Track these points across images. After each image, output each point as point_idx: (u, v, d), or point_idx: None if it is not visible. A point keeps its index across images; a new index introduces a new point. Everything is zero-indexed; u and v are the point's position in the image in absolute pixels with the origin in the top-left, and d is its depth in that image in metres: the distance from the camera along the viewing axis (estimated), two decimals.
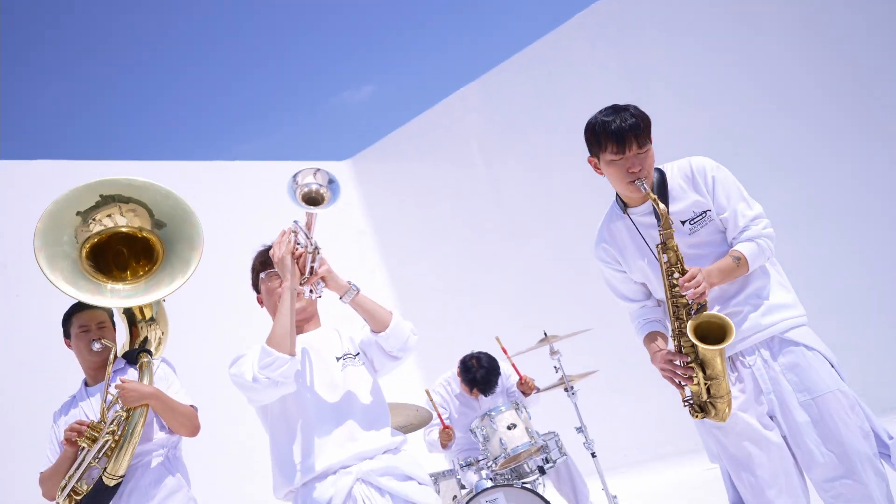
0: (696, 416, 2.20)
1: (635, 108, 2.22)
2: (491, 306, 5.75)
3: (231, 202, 5.88)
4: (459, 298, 6.22)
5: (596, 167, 2.28)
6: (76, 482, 2.84)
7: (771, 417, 2.23)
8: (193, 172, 5.87)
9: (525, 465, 3.82)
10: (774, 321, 2.23)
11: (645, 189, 2.16)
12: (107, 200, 3.16)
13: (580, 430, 4.03)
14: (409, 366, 4.68)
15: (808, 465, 2.19)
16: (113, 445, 2.75)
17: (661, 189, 2.25)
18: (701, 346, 2.09)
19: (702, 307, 2.12)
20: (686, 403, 2.21)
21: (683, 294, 2.10)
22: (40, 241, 3.03)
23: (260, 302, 2.39)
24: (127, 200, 3.13)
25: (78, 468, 2.81)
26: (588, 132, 2.25)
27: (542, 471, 3.83)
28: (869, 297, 4.51)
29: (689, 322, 2.10)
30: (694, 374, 2.15)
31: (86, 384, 3.09)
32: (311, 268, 2.17)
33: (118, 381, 2.79)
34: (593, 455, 3.90)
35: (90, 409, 3.02)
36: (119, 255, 3.25)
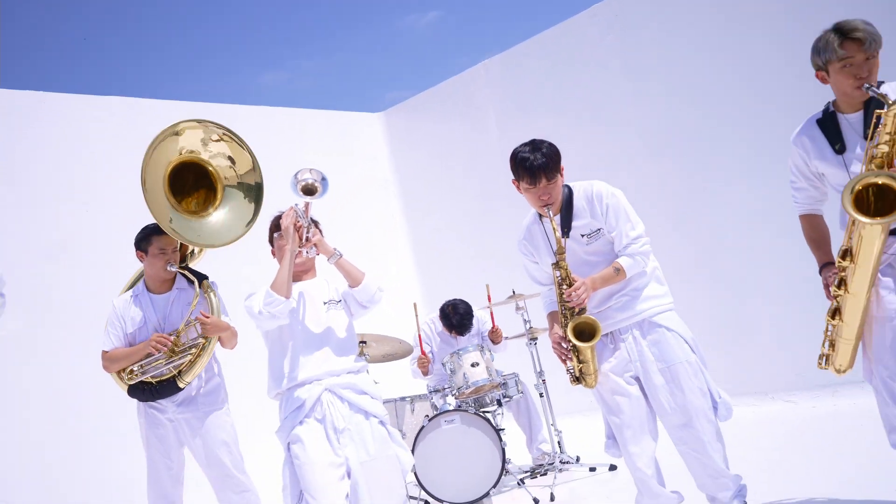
0: (573, 384, 2.97)
1: (549, 146, 2.93)
2: (490, 259, 6.49)
3: (274, 147, 6.65)
4: (465, 249, 6.96)
5: (518, 188, 3.01)
6: (144, 375, 3.74)
7: (637, 379, 2.99)
8: (242, 115, 6.62)
9: (486, 398, 4.62)
10: (645, 308, 2.97)
11: (551, 218, 2.88)
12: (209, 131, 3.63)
13: (540, 374, 4.83)
14: (411, 302, 5.50)
15: (661, 415, 2.96)
16: (191, 359, 3.64)
17: (567, 206, 2.98)
18: (576, 342, 2.85)
19: (582, 310, 2.87)
20: (568, 373, 2.97)
21: (568, 301, 2.85)
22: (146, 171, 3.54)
23: (273, 254, 3.20)
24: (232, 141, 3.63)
25: (148, 365, 3.71)
26: (511, 161, 2.98)
27: (499, 403, 4.64)
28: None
29: (570, 323, 2.83)
30: (572, 357, 2.92)
31: (147, 289, 3.91)
32: (307, 237, 2.95)
33: (200, 315, 3.64)
34: (541, 395, 4.69)
35: (151, 313, 3.84)
36: (188, 183, 3.91)
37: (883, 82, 2.58)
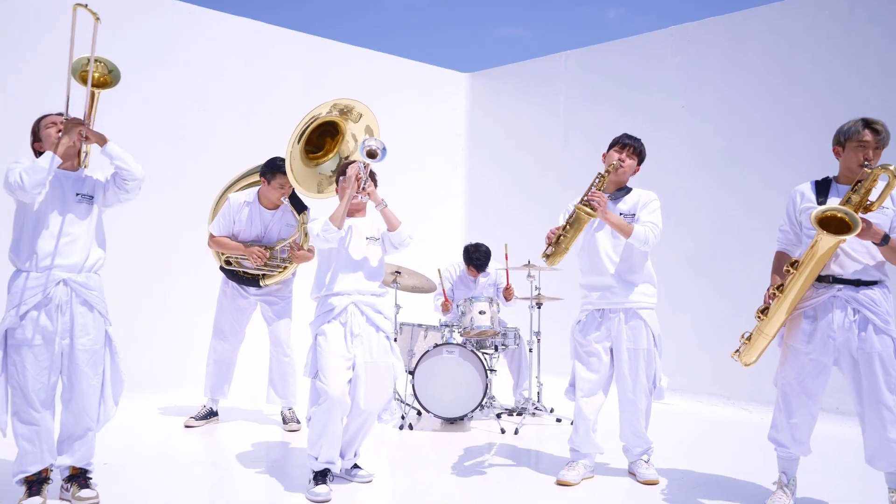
0: (543, 257, 3.88)
1: (641, 142, 4.08)
2: (530, 225, 7.32)
3: (371, 88, 7.54)
4: (510, 212, 7.80)
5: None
6: (238, 266, 4.88)
7: (610, 350, 3.92)
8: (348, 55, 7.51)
9: (486, 341, 5.55)
10: (635, 300, 3.93)
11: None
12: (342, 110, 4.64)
13: (537, 334, 5.72)
14: (454, 248, 6.42)
15: (619, 380, 3.95)
16: (275, 273, 4.77)
17: (620, 192, 4.02)
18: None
19: (589, 205, 3.77)
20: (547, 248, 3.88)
21: (593, 196, 3.79)
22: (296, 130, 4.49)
23: (336, 191, 4.13)
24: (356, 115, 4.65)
25: (244, 261, 4.85)
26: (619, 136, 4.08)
27: (496, 348, 5.57)
28: None
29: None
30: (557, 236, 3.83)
31: (260, 202, 4.94)
32: (363, 187, 3.87)
33: (294, 244, 4.79)
34: (530, 351, 5.61)
35: (257, 222, 4.92)
36: (322, 142, 4.83)
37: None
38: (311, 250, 4.86)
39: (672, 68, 6.64)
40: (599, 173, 3.94)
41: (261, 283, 4.99)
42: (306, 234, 4.88)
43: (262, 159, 5.00)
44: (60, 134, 3.33)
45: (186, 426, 5.13)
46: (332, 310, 3.81)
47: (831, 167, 3.59)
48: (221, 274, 5.12)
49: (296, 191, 4.74)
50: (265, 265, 4.90)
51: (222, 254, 5.01)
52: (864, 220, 3.22)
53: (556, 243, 3.83)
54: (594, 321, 3.98)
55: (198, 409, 5.35)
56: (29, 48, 5.58)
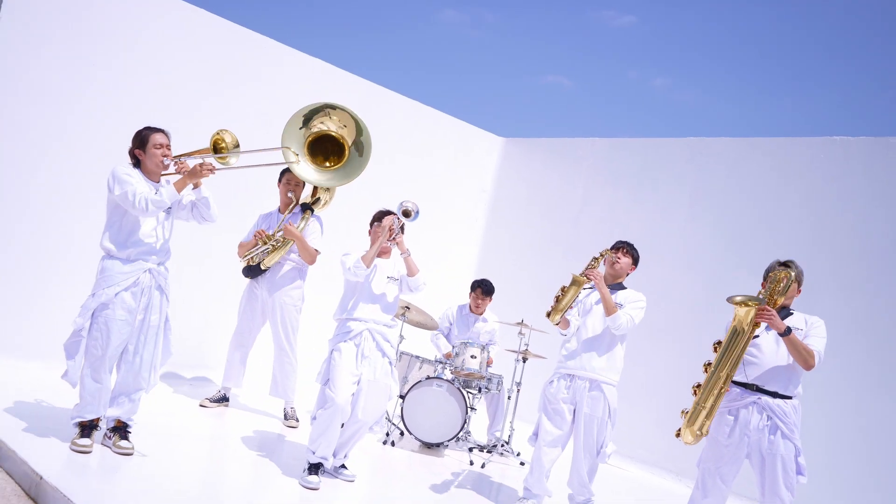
0: (547, 316, 4.66)
1: (633, 247, 4.88)
2: (531, 286, 8.10)
3: (409, 138, 8.37)
4: (517, 270, 8.60)
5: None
6: (251, 257, 5.66)
7: (573, 410, 4.66)
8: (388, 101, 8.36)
9: (472, 382, 6.28)
10: (601, 375, 4.65)
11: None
12: (336, 114, 5.41)
13: (518, 384, 6.46)
14: (461, 292, 7.17)
15: (575, 439, 4.67)
16: (271, 250, 5.52)
17: (615, 287, 4.80)
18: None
19: (588, 279, 4.60)
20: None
21: (591, 270, 4.60)
22: (287, 129, 5.24)
23: (369, 233, 4.90)
24: (351, 120, 5.41)
25: (254, 251, 5.62)
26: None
27: (479, 390, 6.31)
28: None
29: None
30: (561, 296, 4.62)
31: (279, 210, 5.82)
32: (394, 238, 4.65)
33: (287, 224, 5.52)
34: (509, 397, 6.35)
35: (274, 223, 5.75)
36: (324, 147, 5.75)
37: (791, 312, 4.23)
38: (316, 251, 5.72)
39: (682, 174, 7.44)
40: (594, 257, 4.74)
41: (261, 266, 5.68)
42: (306, 218, 5.70)
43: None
44: (175, 169, 4.22)
45: (201, 405, 5.90)
46: (349, 332, 4.58)
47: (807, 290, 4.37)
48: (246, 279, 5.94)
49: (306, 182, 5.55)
50: (264, 242, 5.62)
51: (247, 259, 5.78)
52: (767, 308, 4.00)
53: (556, 301, 4.61)
54: (562, 384, 4.74)
55: (213, 392, 6.13)
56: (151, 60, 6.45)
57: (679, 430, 4.16)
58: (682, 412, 4.15)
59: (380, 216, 4.81)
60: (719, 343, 4.14)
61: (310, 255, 5.76)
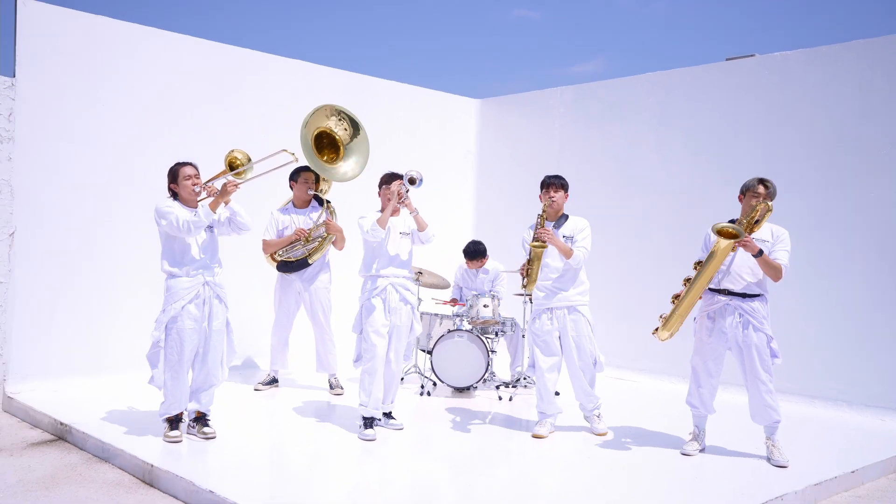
0: (522, 289, 5.37)
1: (562, 178, 5.43)
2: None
3: (388, 115, 8.97)
4: (510, 219, 9.27)
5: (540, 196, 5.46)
6: (286, 255, 6.35)
7: (559, 337, 5.40)
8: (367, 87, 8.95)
9: (489, 328, 7.04)
10: (573, 298, 5.35)
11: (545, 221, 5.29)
12: (340, 116, 6.33)
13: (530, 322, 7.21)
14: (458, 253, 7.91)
15: (567, 359, 5.39)
16: (317, 246, 6.21)
17: (560, 220, 5.43)
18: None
19: (540, 242, 5.19)
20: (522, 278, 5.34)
21: (540, 233, 5.19)
22: (303, 128, 6.12)
23: (379, 194, 5.48)
24: (348, 119, 6.31)
25: (291, 248, 6.31)
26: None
27: (496, 334, 7.06)
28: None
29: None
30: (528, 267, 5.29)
31: (294, 206, 6.51)
32: (403, 201, 5.27)
33: (326, 219, 6.21)
34: (523, 336, 7.12)
35: (299, 220, 6.44)
36: (323, 143, 6.50)
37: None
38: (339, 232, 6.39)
39: (646, 106, 8.10)
40: (539, 214, 5.37)
41: (309, 261, 6.41)
42: (332, 211, 6.44)
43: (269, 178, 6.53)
44: (206, 194, 4.91)
45: (255, 389, 6.68)
46: (375, 287, 5.32)
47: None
48: (278, 273, 6.63)
49: (319, 174, 6.41)
50: (307, 241, 6.35)
51: (273, 255, 6.49)
52: (746, 236, 4.68)
53: (528, 275, 5.30)
54: (544, 315, 5.44)
55: (263, 376, 6.90)
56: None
57: (656, 328, 4.93)
58: (660, 316, 4.91)
59: (388, 179, 5.44)
60: (699, 262, 4.86)
61: (343, 242, 6.49)
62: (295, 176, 6.52)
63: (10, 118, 6.22)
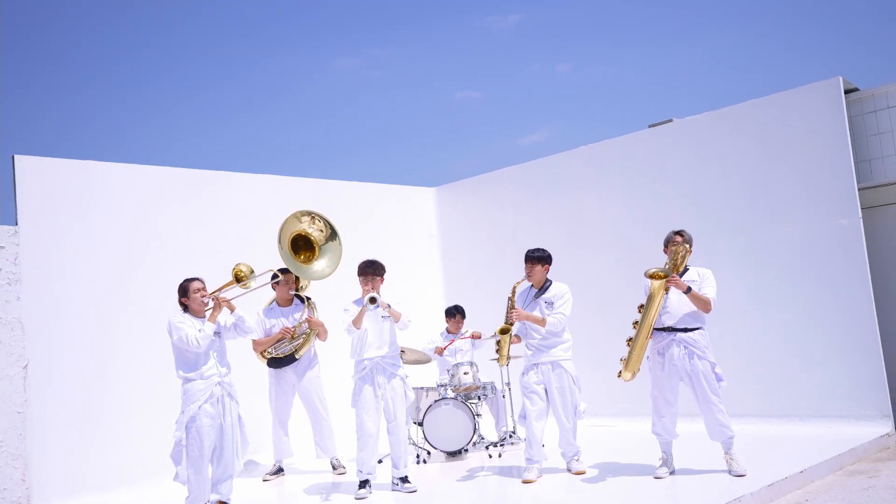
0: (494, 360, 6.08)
1: (544, 250, 6.18)
2: (493, 301, 9.55)
3: (350, 211, 9.76)
4: (477, 292, 10.05)
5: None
6: (275, 352, 6.99)
7: (545, 389, 6.07)
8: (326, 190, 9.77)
9: (471, 394, 7.67)
10: (556, 354, 6.06)
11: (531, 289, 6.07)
12: (312, 217, 7.05)
13: (507, 384, 7.87)
14: (437, 324, 8.60)
15: (553, 408, 6.06)
16: (302, 342, 6.87)
17: (543, 288, 6.15)
18: (500, 336, 6.01)
19: (509, 323, 5.98)
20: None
21: (510, 314, 5.96)
22: (280, 233, 6.87)
23: (360, 283, 6.14)
24: (323, 221, 7.01)
25: (280, 345, 6.96)
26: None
27: (479, 398, 7.69)
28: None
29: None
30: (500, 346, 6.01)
31: (278, 304, 7.19)
32: (376, 301, 5.98)
33: (308, 317, 6.88)
34: (503, 397, 7.77)
35: (284, 320, 7.12)
36: (299, 245, 7.22)
37: (688, 268, 5.67)
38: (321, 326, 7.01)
39: (585, 176, 9.03)
40: (509, 297, 6.20)
41: (296, 356, 7.03)
42: (313, 307, 7.11)
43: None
44: (210, 307, 5.56)
45: (264, 480, 7.18)
46: (363, 369, 6.02)
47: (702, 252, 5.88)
48: (269, 368, 7.23)
49: (299, 276, 7.07)
50: (292, 338, 6.99)
51: (263, 353, 7.11)
52: (673, 276, 5.48)
53: (498, 352, 6.10)
54: (533, 371, 6.15)
55: (269, 468, 7.42)
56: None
57: (619, 372, 5.64)
58: (621, 359, 5.64)
59: (363, 268, 6.14)
60: (642, 306, 5.63)
61: (326, 334, 7.14)
62: (275, 278, 7.20)
63: (15, 262, 6.86)
